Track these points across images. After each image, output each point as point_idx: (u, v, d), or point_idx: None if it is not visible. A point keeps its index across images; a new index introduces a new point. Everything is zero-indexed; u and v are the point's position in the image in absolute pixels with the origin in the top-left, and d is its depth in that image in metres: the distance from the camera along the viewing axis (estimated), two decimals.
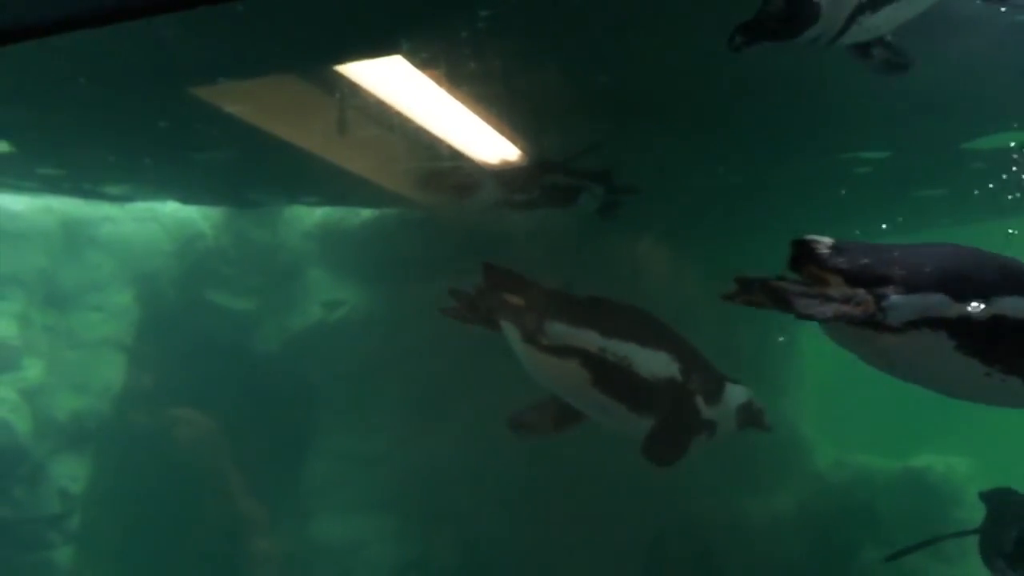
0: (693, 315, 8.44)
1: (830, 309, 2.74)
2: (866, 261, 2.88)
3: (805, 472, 9.80)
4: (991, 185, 6.73)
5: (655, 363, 4.01)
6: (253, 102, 4.29)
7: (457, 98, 3.35)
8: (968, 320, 2.76)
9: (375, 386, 9.11)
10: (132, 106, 4.74)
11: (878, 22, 3.23)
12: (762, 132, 5.65)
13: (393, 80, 3.48)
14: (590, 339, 3.99)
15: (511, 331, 4.16)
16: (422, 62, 3.32)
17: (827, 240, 2.94)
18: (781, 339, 9.57)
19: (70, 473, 8.99)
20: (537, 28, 3.25)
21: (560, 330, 4.01)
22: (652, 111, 3.96)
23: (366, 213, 9.21)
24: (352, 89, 3.64)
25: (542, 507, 8.28)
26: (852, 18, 3.14)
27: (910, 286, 2.79)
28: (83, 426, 9.03)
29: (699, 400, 4.06)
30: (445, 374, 8.65)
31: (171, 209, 9.51)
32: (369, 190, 5.89)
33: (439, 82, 3.35)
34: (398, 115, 3.81)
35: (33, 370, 8.95)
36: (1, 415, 8.47)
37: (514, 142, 3.66)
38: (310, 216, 9.87)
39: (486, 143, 3.87)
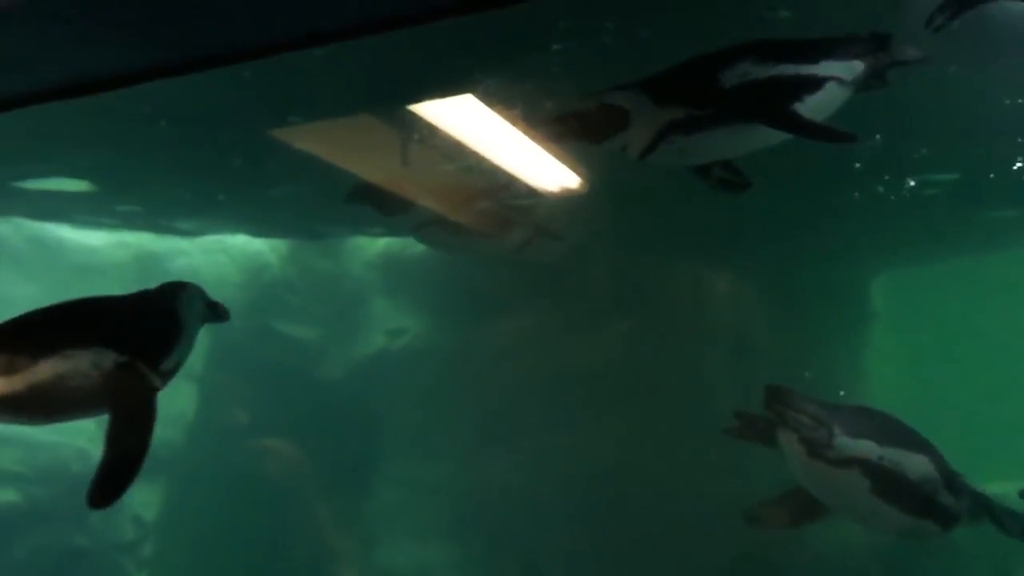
0: (754, 337, 8.43)
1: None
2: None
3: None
4: None
5: (919, 466, 4.36)
6: (326, 139, 4.41)
7: (527, 134, 3.41)
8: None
9: (438, 413, 9.18)
10: (210, 146, 4.92)
11: (695, 146, 3.41)
12: (829, 154, 5.62)
13: (464, 117, 3.56)
14: (869, 449, 4.30)
15: (793, 447, 4.41)
16: (493, 99, 3.39)
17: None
18: (842, 352, 9.42)
19: (143, 501, 9.20)
20: (607, 60, 3.30)
21: (843, 443, 4.29)
22: None
23: None
24: (422, 125, 3.73)
25: (606, 535, 8.23)
26: (662, 135, 3.30)
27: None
28: (155, 454, 9.17)
29: (950, 497, 4.44)
30: (508, 401, 8.68)
31: (240, 241, 9.75)
32: (432, 217, 6.00)
33: (509, 119, 3.42)
34: (465, 149, 3.89)
35: None
36: (79, 444, 8.71)
37: (582, 176, 3.72)
38: (372, 246, 10.03)
39: (556, 177, 3.93)
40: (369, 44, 2.12)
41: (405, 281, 9.86)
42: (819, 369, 8.84)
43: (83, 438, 8.78)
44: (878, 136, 4.92)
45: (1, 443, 8.53)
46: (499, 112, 3.50)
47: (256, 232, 9.09)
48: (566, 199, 4.87)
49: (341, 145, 4.53)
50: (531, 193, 4.63)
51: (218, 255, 9.82)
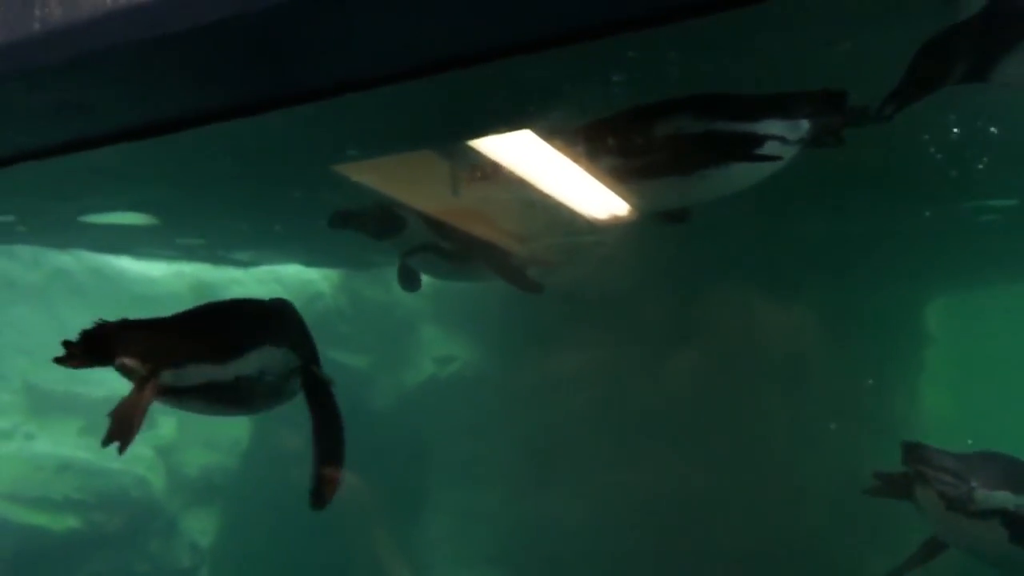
0: (811, 365, 8.34)
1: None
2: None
3: (928, 529, 9.41)
4: None
5: None
6: (384, 173, 4.50)
7: (588, 170, 3.46)
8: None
9: (488, 441, 9.20)
10: (270, 179, 5.04)
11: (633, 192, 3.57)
12: (883, 180, 5.59)
13: (525, 153, 3.61)
14: (1006, 499, 4.44)
15: (931, 502, 4.57)
16: (553, 134, 3.44)
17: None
18: (897, 379, 9.29)
19: (200, 527, 9.34)
20: (670, 92, 3.33)
21: (982, 495, 4.42)
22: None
23: None
24: (482, 161, 3.79)
25: (657, 568, 8.17)
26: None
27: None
28: (212, 482, 9.39)
29: None
30: (558, 431, 8.68)
31: (292, 271, 9.92)
32: (487, 246, 6.04)
33: (570, 154, 3.46)
34: (527, 186, 3.94)
35: (167, 428, 9.38)
36: (138, 472, 8.90)
37: (636, 208, 3.75)
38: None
39: (613, 211, 3.97)
40: (427, 80, 2.19)
41: (455, 309, 9.94)
42: (875, 395, 8.74)
43: (142, 466, 8.97)
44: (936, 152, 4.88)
45: (62, 470, 8.73)
46: (559, 148, 3.55)
47: (309, 262, 9.24)
48: (623, 232, 4.89)
49: (401, 180, 4.62)
50: (592, 229, 4.66)
51: (272, 284, 10.00)
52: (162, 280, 9.61)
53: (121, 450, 2.96)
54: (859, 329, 8.30)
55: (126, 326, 3.14)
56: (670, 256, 6.96)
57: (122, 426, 2.97)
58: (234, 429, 9.62)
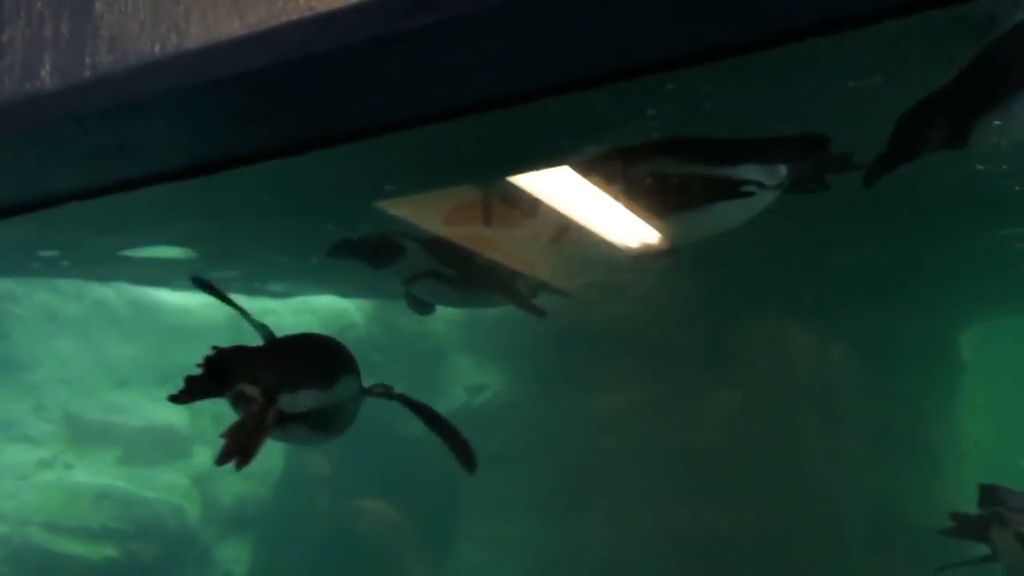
0: (848, 396, 8.27)
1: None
2: None
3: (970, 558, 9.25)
4: None
5: None
6: (419, 208, 4.57)
7: (627, 205, 3.50)
8: None
9: (519, 471, 9.19)
10: (308, 214, 5.14)
11: None
12: (917, 208, 5.58)
13: (564, 188, 3.66)
14: None
15: (1007, 544, 4.60)
16: (589, 170, 3.48)
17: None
18: (933, 409, 9.19)
19: (234, 557, 9.40)
20: (705, 126, 3.36)
21: None
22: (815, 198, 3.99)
23: None
24: (521, 197, 3.84)
25: None
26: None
27: None
28: (246, 511, 9.46)
29: None
30: (590, 460, 8.66)
31: (326, 301, 10.03)
32: (524, 280, 6.08)
33: (604, 189, 3.51)
34: (567, 221, 3.99)
35: (201, 457, 9.48)
36: (173, 501, 8.99)
37: (673, 242, 3.79)
38: None
39: (651, 245, 4.00)
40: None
41: (487, 338, 9.98)
42: (910, 425, 8.64)
43: (177, 495, 9.06)
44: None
45: (100, 499, 8.84)
46: (597, 183, 3.59)
47: (343, 293, 9.34)
48: (659, 267, 4.91)
49: (439, 215, 4.69)
50: (628, 264, 4.69)
51: (306, 315, 10.12)
52: (198, 311, 9.75)
53: (239, 467, 3.10)
54: (895, 359, 8.23)
55: (241, 353, 3.27)
56: (705, 290, 6.97)
57: (244, 448, 3.08)
58: (267, 459, 9.68)
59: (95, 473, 9.00)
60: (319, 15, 1.85)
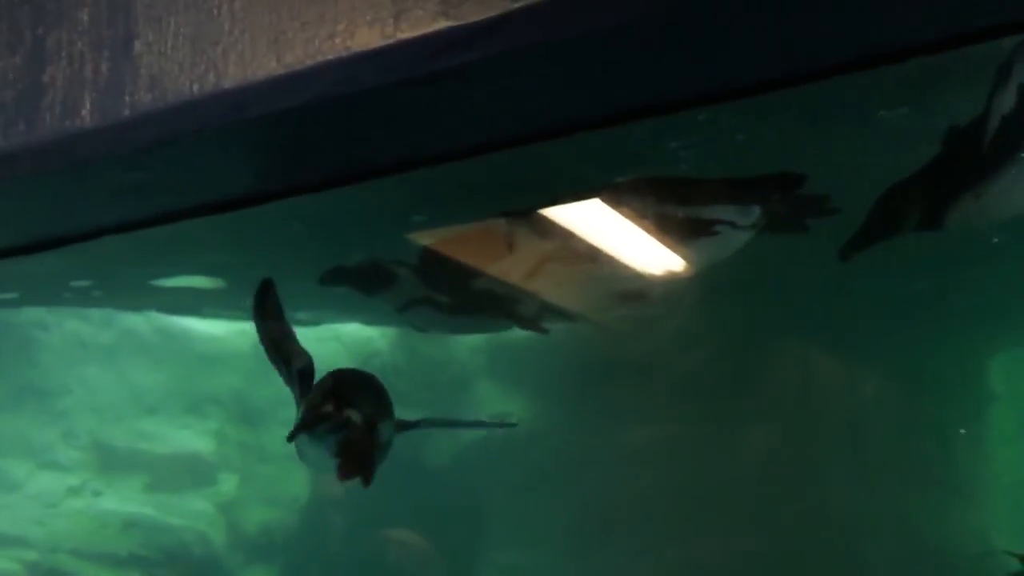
0: (876, 426, 8.19)
1: None
2: None
3: None
4: None
5: None
6: (454, 241, 4.61)
7: (658, 237, 3.51)
8: None
9: (543, 500, 9.16)
10: (337, 243, 5.19)
11: None
12: (943, 234, 5.55)
13: (595, 220, 3.68)
14: None
15: None
16: (619, 202, 3.50)
17: None
18: (963, 432, 9.08)
19: None
20: (735, 156, 3.38)
21: None
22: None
23: None
24: (554, 230, 3.87)
25: None
26: None
27: None
28: (271, 538, 9.49)
29: None
30: (615, 490, 8.62)
31: (352, 329, 10.09)
32: (549, 311, 6.11)
33: (641, 224, 3.52)
34: (599, 254, 4.01)
35: (227, 484, 9.52)
36: (200, 528, 9.02)
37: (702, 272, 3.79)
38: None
39: (678, 274, 4.01)
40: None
41: (512, 366, 9.98)
42: (939, 453, 8.54)
43: (203, 522, 9.10)
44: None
45: (128, 526, 8.90)
46: (627, 215, 3.62)
47: (369, 320, 9.40)
48: (685, 297, 4.91)
49: (469, 247, 4.73)
50: (656, 295, 4.71)
51: (331, 342, 10.17)
52: (226, 339, 9.83)
53: (366, 484, 3.28)
54: (924, 386, 8.16)
55: (343, 380, 3.42)
56: (731, 318, 6.95)
57: (363, 466, 3.26)
58: (292, 486, 9.72)
59: (123, 500, 9.05)
60: (354, 55, 1.89)
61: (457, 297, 5.51)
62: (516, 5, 1.72)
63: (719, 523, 7.93)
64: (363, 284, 5.40)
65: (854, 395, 8.13)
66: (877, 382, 8.16)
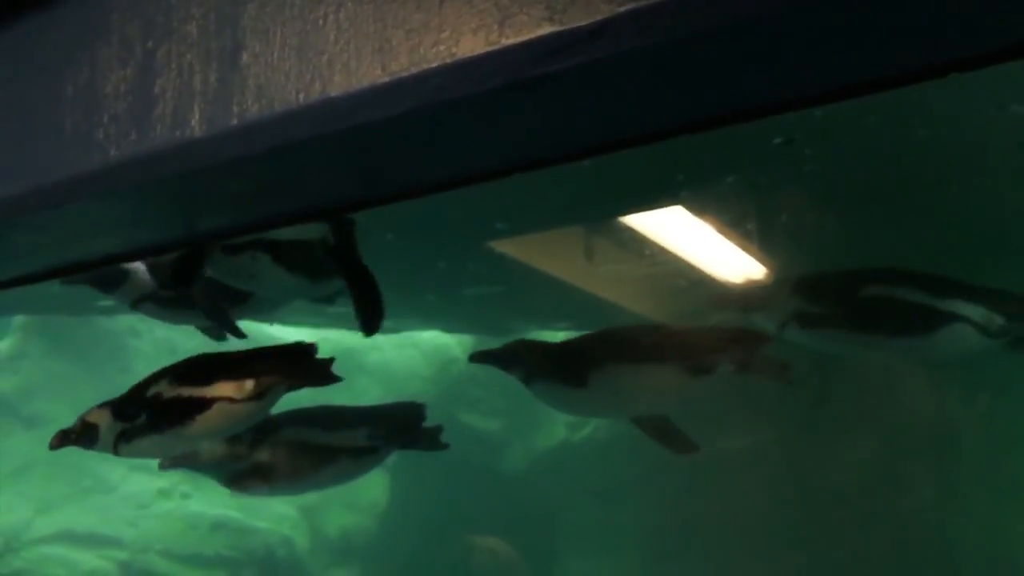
0: (957, 433, 7.95)
1: None
2: None
3: None
4: None
5: None
6: (531, 246, 4.64)
7: (742, 247, 3.48)
8: None
9: (619, 507, 9.11)
10: (420, 252, 5.26)
11: None
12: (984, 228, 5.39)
13: (679, 230, 3.67)
14: None
15: None
16: (700, 210, 3.48)
17: None
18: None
19: None
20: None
21: None
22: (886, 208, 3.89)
23: None
24: (637, 239, 3.87)
25: None
26: None
27: None
28: (351, 542, 9.63)
29: None
30: (693, 497, 8.53)
31: (429, 336, 10.19)
32: (623, 316, 6.09)
33: (716, 227, 3.50)
34: (688, 266, 3.99)
35: None
36: (284, 531, 9.21)
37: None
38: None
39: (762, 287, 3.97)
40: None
41: None
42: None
43: (287, 525, 9.28)
44: None
45: (215, 528, 9.13)
46: (711, 224, 3.59)
47: (447, 328, 9.49)
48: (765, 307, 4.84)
49: (553, 255, 4.75)
50: (763, 307, 4.66)
51: (409, 350, 10.29)
52: None
53: None
54: (1011, 396, 7.91)
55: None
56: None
57: None
58: (372, 491, 9.84)
59: (210, 503, 9.29)
60: (459, 61, 1.92)
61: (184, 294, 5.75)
62: (621, 9, 1.73)
63: (804, 534, 7.78)
64: (98, 283, 5.63)
65: (941, 404, 7.91)
66: (963, 391, 7.93)
